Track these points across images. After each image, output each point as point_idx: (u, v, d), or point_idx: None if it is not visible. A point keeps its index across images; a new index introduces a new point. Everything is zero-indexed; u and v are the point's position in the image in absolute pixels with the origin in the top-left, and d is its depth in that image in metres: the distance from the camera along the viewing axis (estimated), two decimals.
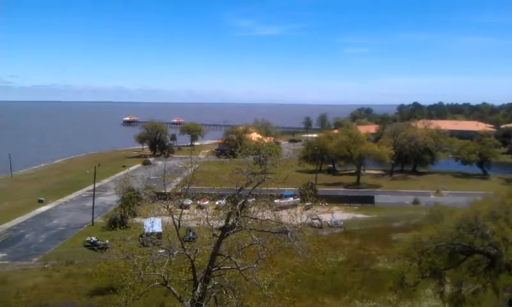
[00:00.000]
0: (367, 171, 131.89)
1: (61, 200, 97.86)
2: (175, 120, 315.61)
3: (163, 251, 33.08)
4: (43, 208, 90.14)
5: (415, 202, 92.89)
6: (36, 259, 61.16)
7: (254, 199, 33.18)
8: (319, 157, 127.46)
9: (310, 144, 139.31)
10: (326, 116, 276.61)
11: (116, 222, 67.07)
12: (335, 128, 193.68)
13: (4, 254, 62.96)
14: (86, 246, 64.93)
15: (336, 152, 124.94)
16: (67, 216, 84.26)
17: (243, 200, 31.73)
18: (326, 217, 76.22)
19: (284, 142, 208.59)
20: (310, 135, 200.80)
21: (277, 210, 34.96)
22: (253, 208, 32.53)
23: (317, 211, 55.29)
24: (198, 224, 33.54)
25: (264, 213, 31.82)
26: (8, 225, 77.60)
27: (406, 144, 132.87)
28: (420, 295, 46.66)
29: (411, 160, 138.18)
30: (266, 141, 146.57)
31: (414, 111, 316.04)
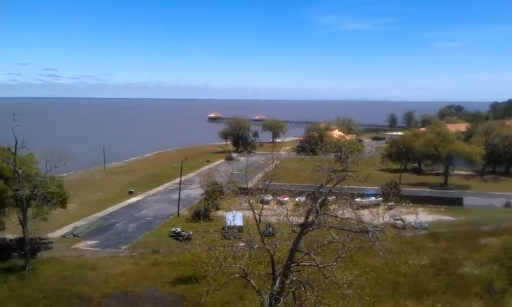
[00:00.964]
0: (456, 172, 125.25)
1: (150, 192, 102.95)
2: (257, 117, 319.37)
3: (243, 244, 33.79)
4: (133, 199, 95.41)
5: (507, 205, 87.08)
6: (124, 247, 64.90)
7: (334, 197, 32.87)
8: (403, 156, 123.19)
9: (395, 142, 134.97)
10: (412, 113, 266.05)
11: (200, 215, 69.46)
12: (422, 126, 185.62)
13: (96, 242, 67.44)
14: (171, 236, 67.86)
15: (422, 151, 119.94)
16: (155, 207, 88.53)
17: (323, 197, 31.62)
18: (410, 218, 73.52)
19: (367, 140, 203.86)
20: (394, 133, 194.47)
21: (358, 209, 34.36)
22: (333, 206, 32.26)
23: (400, 211, 53.43)
24: (277, 219, 33.86)
25: (345, 211, 31.45)
26: (100, 214, 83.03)
27: (499, 143, 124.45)
28: (509, 303, 43.77)
29: (504, 160, 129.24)
30: (348, 138, 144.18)
31: (509, 109, 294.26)
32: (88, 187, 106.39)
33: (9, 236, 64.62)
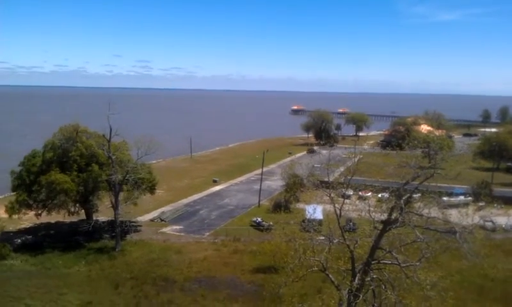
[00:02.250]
0: None
1: (232, 181, 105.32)
2: (340, 110, 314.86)
3: (323, 238, 33.56)
4: (217, 188, 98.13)
5: None
6: (207, 233, 66.98)
7: (420, 194, 31.64)
8: (497, 154, 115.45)
9: (488, 139, 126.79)
10: (508, 109, 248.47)
11: (280, 206, 70.10)
12: None
13: (181, 227, 70.22)
14: (252, 226, 69.01)
15: None
16: (237, 196, 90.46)
17: (408, 195, 30.53)
18: (501, 220, 69.03)
19: (457, 136, 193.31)
20: (488, 130, 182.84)
21: (445, 208, 32.79)
22: (418, 204, 31.06)
23: (490, 212, 50.43)
24: (359, 215, 33.27)
25: (431, 210, 30.16)
26: (185, 201, 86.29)
27: None
28: None
29: None
30: (437, 133, 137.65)
31: None
32: (175, 174, 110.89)
33: (102, 218, 69.20)
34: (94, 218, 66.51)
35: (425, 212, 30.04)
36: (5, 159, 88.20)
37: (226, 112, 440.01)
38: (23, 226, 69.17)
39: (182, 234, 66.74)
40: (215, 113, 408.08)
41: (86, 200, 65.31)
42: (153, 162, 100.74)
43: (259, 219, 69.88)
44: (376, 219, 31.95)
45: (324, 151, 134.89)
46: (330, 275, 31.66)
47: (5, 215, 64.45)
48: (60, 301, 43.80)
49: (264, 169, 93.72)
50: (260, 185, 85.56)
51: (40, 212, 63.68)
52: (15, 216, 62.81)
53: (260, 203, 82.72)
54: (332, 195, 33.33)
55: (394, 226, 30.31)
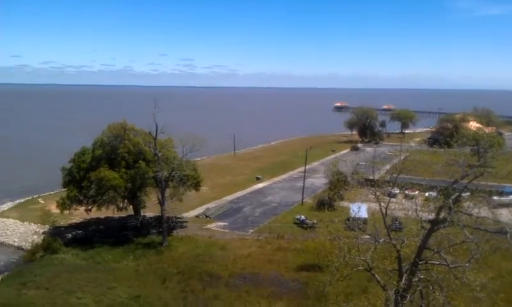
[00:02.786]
0: None
1: (275, 179, 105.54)
2: (385, 106, 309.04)
3: (368, 237, 33.25)
4: (260, 185, 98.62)
5: None
6: (251, 230, 67.48)
7: (469, 193, 30.81)
8: None
9: None
10: None
11: (324, 204, 69.63)
12: None
13: (225, 223, 71.05)
14: (295, 223, 68.99)
15: None
16: (280, 194, 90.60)
17: (457, 194, 29.79)
18: None
19: (508, 134, 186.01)
20: None
21: (495, 208, 31.89)
22: (467, 204, 30.23)
23: None
24: (405, 214, 32.71)
25: (480, 210, 29.35)
26: (229, 198, 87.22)
27: None
28: None
29: None
30: (487, 131, 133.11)
31: None
32: (219, 171, 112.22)
33: (149, 214, 70.95)
34: (142, 214, 68.26)
35: (474, 211, 29.24)
36: (56, 156, 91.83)
37: (268, 109, 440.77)
38: (74, 221, 71.89)
39: (227, 230, 67.55)
40: (257, 111, 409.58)
41: (133, 196, 67.15)
42: (198, 159, 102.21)
43: (302, 217, 69.80)
44: (423, 219, 31.33)
45: (368, 149, 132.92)
46: (376, 275, 31.33)
47: (56, 211, 67.21)
48: (109, 295, 45.27)
49: (307, 166, 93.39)
50: (303, 183, 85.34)
51: (89, 207, 66.03)
52: (66, 211, 65.29)
53: (303, 200, 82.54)
54: (378, 193, 32.94)
55: (442, 226, 29.66)
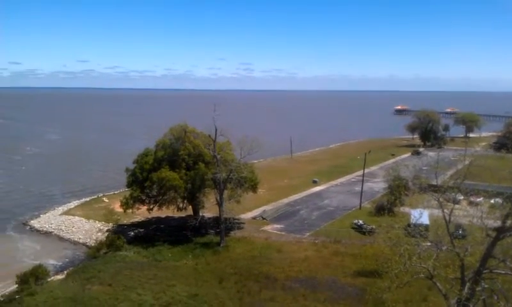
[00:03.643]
0: None
1: (332, 182, 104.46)
2: (448, 110, 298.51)
3: (430, 244, 32.33)
4: (317, 189, 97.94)
5: None
6: (308, 233, 67.13)
7: None
8: None
9: None
10: None
11: (383, 209, 68.22)
12: None
13: (281, 226, 71.13)
14: (353, 228, 68.00)
15: None
16: (337, 198, 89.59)
17: None
18: None
19: None
20: None
21: None
22: None
23: None
24: (469, 221, 31.53)
25: None
26: (286, 200, 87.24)
27: None
28: None
29: None
30: None
31: None
32: (275, 174, 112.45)
33: (208, 214, 72.26)
34: (200, 214, 69.69)
35: None
36: (120, 157, 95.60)
37: (326, 112, 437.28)
38: (136, 219, 74.47)
39: (283, 233, 67.61)
40: (315, 113, 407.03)
41: (193, 197, 68.66)
42: (255, 161, 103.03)
43: (361, 222, 68.68)
44: (488, 226, 30.08)
45: (430, 153, 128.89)
46: (437, 283, 30.43)
47: (120, 209, 69.88)
48: (169, 292, 46.53)
49: (366, 170, 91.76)
50: (362, 187, 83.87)
51: (151, 206, 68.19)
52: (129, 210, 67.67)
53: (362, 205, 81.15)
54: (440, 199, 31.96)
55: (509, 234, 28.37)
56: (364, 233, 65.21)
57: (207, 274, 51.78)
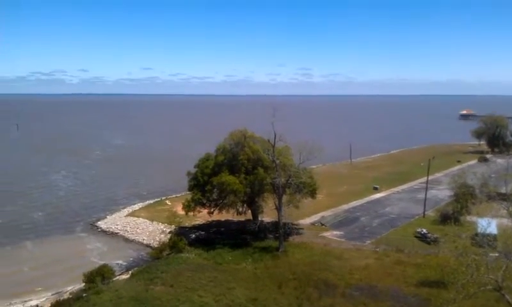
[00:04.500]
0: None
1: (394, 189, 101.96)
2: None
3: (499, 254, 30.95)
4: (377, 195, 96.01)
5: None
6: (368, 241, 65.85)
7: None
8: None
9: None
10: None
11: (449, 218, 65.76)
12: None
13: (341, 232, 70.21)
14: (416, 237, 65.96)
15: None
16: (399, 205, 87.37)
17: None
18: None
19: None
20: None
21: None
22: None
23: None
24: None
25: None
26: (345, 207, 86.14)
27: None
28: None
29: None
30: None
31: None
32: (334, 179, 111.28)
33: (266, 219, 72.59)
34: (259, 219, 70.14)
35: None
36: (182, 161, 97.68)
37: (386, 117, 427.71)
38: (197, 222, 76.12)
39: (343, 240, 66.75)
40: (374, 118, 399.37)
41: (252, 201, 69.30)
42: (313, 167, 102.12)
43: (424, 230, 66.53)
44: None
45: (499, 160, 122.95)
46: (506, 296, 29.08)
47: (182, 212, 71.67)
48: (229, 295, 47.18)
49: (429, 177, 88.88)
50: (425, 195, 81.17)
51: (212, 210, 69.48)
52: (190, 213, 69.31)
53: (425, 213, 78.61)
54: (510, 208, 30.58)
55: None
56: (428, 243, 63.10)
57: (266, 278, 51.99)
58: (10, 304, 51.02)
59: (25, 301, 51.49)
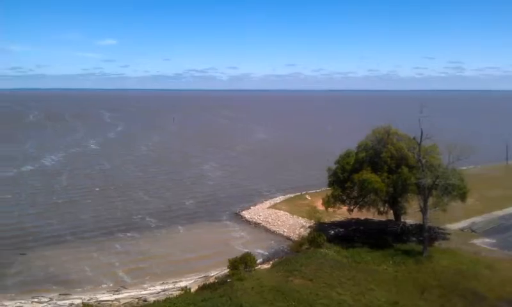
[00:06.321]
0: None
1: None
2: None
3: None
4: None
5: None
6: None
7: None
8: None
9: None
10: None
11: None
12: None
13: (493, 240, 64.22)
14: None
15: None
16: None
17: None
18: None
19: None
20: None
21: None
22: None
23: None
24: None
25: None
26: (500, 213, 78.68)
27: None
28: None
29: None
30: None
31: None
32: (486, 182, 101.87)
33: (410, 221, 69.42)
34: (402, 220, 67.39)
35: None
36: (322, 157, 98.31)
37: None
38: (336, 219, 75.76)
39: (495, 249, 61.04)
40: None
41: (394, 201, 66.74)
42: (463, 168, 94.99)
43: None
44: None
45: None
46: None
47: (321, 208, 71.93)
48: (367, 296, 46.14)
49: None
50: None
51: (352, 207, 68.60)
52: (330, 209, 69.25)
53: None
54: None
55: None
56: None
57: (408, 283, 49.78)
58: (163, 283, 56.12)
59: (176, 282, 56.17)
